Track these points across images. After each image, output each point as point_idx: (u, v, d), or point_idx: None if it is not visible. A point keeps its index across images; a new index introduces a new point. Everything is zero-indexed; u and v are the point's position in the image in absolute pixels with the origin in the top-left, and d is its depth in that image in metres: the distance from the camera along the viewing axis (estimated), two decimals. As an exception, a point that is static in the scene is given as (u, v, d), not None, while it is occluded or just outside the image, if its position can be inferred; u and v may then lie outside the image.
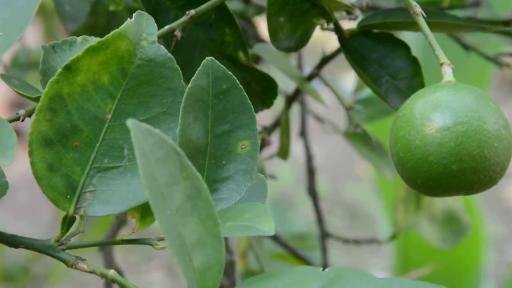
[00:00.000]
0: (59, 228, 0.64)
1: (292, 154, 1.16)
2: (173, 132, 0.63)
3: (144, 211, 0.64)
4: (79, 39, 0.70)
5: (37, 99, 0.67)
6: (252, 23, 1.32)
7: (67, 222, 0.63)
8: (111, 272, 0.58)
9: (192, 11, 0.76)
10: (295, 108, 1.47)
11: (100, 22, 1.26)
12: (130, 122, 0.48)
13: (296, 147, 1.46)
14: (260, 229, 0.55)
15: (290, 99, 1.10)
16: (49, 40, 1.64)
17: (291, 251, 1.40)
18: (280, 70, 1.01)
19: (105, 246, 1.21)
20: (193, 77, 0.62)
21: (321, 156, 3.96)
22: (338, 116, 1.33)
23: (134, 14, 0.63)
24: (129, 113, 0.63)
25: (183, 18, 0.76)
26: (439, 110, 0.64)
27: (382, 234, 2.44)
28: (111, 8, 0.97)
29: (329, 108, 1.16)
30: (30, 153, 0.61)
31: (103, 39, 0.61)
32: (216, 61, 0.64)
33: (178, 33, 0.75)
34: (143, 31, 0.63)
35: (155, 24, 0.64)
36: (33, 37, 1.75)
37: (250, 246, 1.39)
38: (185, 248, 0.50)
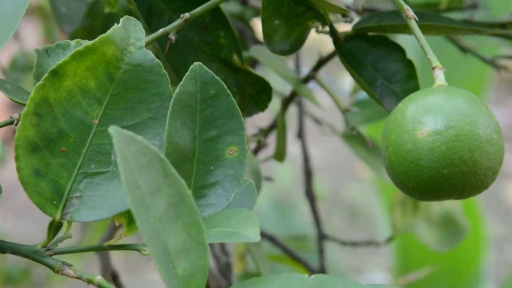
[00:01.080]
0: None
1: (291, 154, 1.15)
2: (161, 137, 0.63)
3: (131, 217, 0.64)
4: (72, 42, 0.69)
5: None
6: (249, 25, 1.32)
7: (54, 227, 0.63)
8: (98, 278, 0.58)
9: (187, 14, 0.75)
10: (293, 110, 1.47)
11: (98, 24, 1.25)
12: (113, 129, 0.48)
13: (296, 147, 1.46)
14: (246, 235, 0.55)
15: (287, 101, 1.10)
16: (48, 42, 1.64)
17: (289, 253, 1.40)
18: (276, 73, 1.00)
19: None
20: (180, 83, 0.62)
21: (321, 156, 3.96)
22: (337, 118, 1.33)
23: (121, 19, 0.62)
24: (116, 118, 0.63)
25: (178, 21, 0.76)
26: (431, 114, 0.64)
27: (382, 234, 2.44)
28: (106, 10, 0.97)
29: (328, 109, 1.16)
30: (16, 158, 0.61)
31: (89, 44, 0.61)
32: (204, 66, 0.63)
33: (172, 36, 0.75)
34: (130, 36, 0.63)
35: (143, 29, 0.63)
36: (32, 40, 1.75)
37: (248, 248, 1.39)
38: (169, 255, 0.50)
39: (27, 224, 3.58)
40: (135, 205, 0.47)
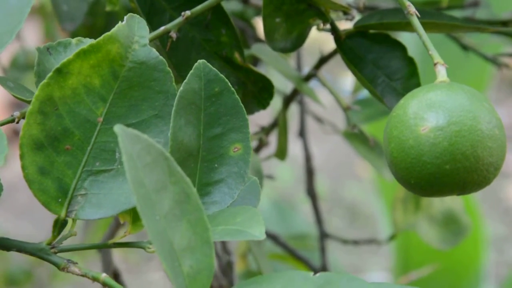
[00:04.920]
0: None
1: (291, 154, 1.15)
2: (165, 135, 0.63)
3: (136, 215, 0.64)
4: (74, 40, 0.69)
5: (32, 102, 0.66)
6: (251, 24, 1.32)
7: (59, 225, 0.63)
8: (103, 276, 0.58)
9: (188, 12, 0.75)
10: (295, 109, 1.47)
11: (99, 23, 1.25)
12: (118, 128, 0.48)
13: (296, 147, 1.46)
14: (251, 233, 0.55)
15: (288, 100, 1.10)
16: (48, 41, 1.64)
17: (290, 251, 1.40)
18: (277, 71, 1.00)
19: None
20: (185, 80, 0.62)
21: (321, 156, 3.96)
22: (337, 116, 1.33)
23: (125, 17, 0.62)
24: (121, 116, 0.63)
25: (179, 19, 0.76)
26: (433, 109, 0.64)
27: (382, 234, 2.44)
28: (107, 8, 0.97)
29: (328, 108, 1.16)
30: (21, 157, 0.61)
31: (94, 42, 0.61)
32: (208, 64, 0.63)
33: (173, 34, 0.75)
34: (134, 34, 0.63)
35: (147, 27, 0.63)
36: (32, 39, 1.75)
37: (250, 247, 1.39)
38: (174, 253, 0.50)
39: (27, 224, 3.58)
40: (140, 203, 0.47)
